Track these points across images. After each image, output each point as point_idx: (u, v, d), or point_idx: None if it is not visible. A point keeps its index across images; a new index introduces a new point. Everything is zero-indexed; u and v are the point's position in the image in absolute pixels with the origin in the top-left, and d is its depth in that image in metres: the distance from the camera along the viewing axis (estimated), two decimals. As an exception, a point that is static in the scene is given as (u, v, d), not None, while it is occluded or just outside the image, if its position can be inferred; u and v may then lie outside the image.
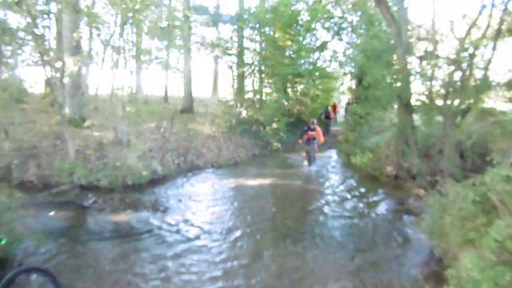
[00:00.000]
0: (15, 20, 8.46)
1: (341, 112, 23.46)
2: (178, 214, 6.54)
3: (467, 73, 8.26)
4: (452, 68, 8.42)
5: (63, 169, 7.73)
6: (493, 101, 8.39)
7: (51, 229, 5.47)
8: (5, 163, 7.59)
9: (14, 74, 8.28)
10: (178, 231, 5.76)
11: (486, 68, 8.11)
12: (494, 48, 8.11)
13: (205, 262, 4.76)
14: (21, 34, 8.09)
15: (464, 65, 8.19)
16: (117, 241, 5.34)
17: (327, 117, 18.49)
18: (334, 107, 21.29)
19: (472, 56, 8.11)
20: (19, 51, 7.99)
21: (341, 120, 22.63)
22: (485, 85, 7.77)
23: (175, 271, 4.47)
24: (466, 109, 8.40)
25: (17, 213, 4.84)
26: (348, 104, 22.15)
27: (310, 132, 10.75)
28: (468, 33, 8.49)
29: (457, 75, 8.50)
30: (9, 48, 8.20)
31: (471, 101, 7.92)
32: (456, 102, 8.39)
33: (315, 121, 10.78)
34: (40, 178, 7.74)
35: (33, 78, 8.77)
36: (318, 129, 10.74)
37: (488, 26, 8.06)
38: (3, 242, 2.99)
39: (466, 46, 8.32)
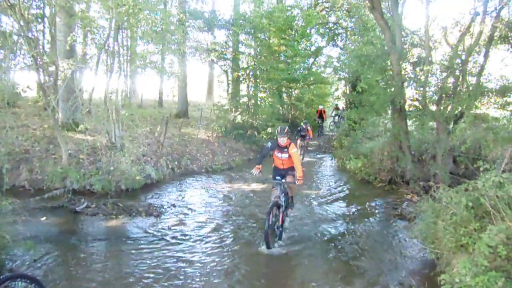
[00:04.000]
0: (9, 23, 8.37)
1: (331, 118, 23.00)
2: (171, 219, 6.49)
3: (460, 79, 8.34)
4: (445, 74, 8.50)
5: (55, 173, 7.66)
6: (485, 107, 8.47)
7: (43, 235, 5.39)
8: (-4, 167, 7.49)
9: (7, 77, 8.20)
10: (171, 237, 5.71)
11: (479, 75, 8.20)
12: (486, 55, 8.21)
13: (198, 267, 4.71)
14: (15, 37, 8.05)
15: (457, 71, 8.27)
16: (110, 247, 5.28)
17: (303, 136, 13.13)
18: (321, 114, 19.59)
19: (465, 62, 8.20)
20: (12, 55, 7.92)
21: (328, 129, 22.27)
22: (478, 91, 7.86)
23: (167, 277, 4.42)
24: (459, 115, 8.47)
25: (8, 219, 4.77)
26: (337, 109, 21.80)
27: (278, 155, 5.85)
28: (461, 39, 8.58)
29: (450, 81, 8.59)
30: (2, 51, 8.15)
31: (464, 107, 7.98)
32: (449, 108, 8.46)
33: (286, 130, 5.61)
34: (32, 182, 7.66)
35: (26, 82, 8.69)
36: (293, 149, 5.66)
37: (481, 33, 8.16)
38: None
39: (459, 52, 8.41)
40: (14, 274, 3.28)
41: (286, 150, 5.66)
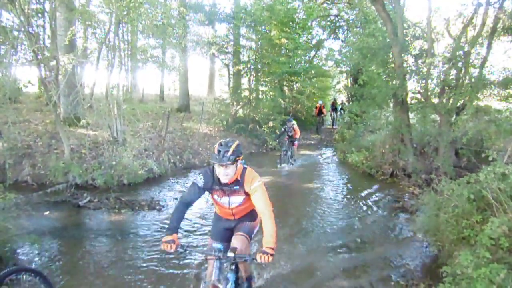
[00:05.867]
0: (9, 19, 8.36)
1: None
2: (174, 213, 6.51)
3: (462, 71, 8.31)
4: (447, 66, 8.46)
5: (58, 168, 7.68)
6: (488, 100, 8.43)
7: (46, 229, 5.42)
8: (-1, 163, 7.53)
9: (8, 73, 8.20)
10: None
11: (481, 67, 8.16)
12: (489, 47, 8.16)
13: (201, 261, 4.74)
14: (15, 33, 8.04)
15: (460, 63, 8.23)
16: (113, 240, 5.31)
17: (291, 137, 10.75)
18: (320, 110, 18.46)
19: (467, 54, 8.15)
20: (13, 50, 7.92)
21: (329, 122, 21.74)
22: (480, 84, 7.83)
23: (171, 270, 4.45)
24: (461, 107, 8.44)
25: (12, 213, 4.80)
26: (334, 104, 21.32)
27: (222, 200, 3.03)
28: (464, 31, 8.53)
29: (453, 74, 8.55)
30: (3, 47, 8.15)
31: (466, 99, 7.95)
32: (451, 100, 8.43)
33: (232, 151, 2.68)
34: (34, 177, 7.69)
35: (27, 77, 8.70)
36: (255, 183, 2.83)
37: (484, 24, 8.10)
38: None
39: (461, 44, 8.36)
40: (19, 268, 3.30)
41: (237, 188, 2.90)
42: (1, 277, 2.80)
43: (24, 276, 3.02)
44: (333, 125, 20.68)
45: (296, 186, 8.88)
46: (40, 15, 10.33)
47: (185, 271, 4.45)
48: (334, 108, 21.03)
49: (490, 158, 4.37)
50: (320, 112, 18.67)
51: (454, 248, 4.24)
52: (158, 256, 4.84)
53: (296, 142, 10.84)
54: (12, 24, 8.14)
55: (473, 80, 8.11)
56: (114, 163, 8.04)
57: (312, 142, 16.22)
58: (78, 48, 9.93)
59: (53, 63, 8.12)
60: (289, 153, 10.86)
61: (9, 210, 4.78)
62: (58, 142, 8.44)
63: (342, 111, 21.04)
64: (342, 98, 22.88)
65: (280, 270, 4.56)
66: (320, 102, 19.03)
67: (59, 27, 9.20)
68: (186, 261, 4.69)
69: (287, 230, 5.86)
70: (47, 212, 6.17)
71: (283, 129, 10.95)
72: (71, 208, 6.49)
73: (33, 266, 4.32)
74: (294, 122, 10.78)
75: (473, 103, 8.02)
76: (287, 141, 10.78)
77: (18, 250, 4.69)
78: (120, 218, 6.18)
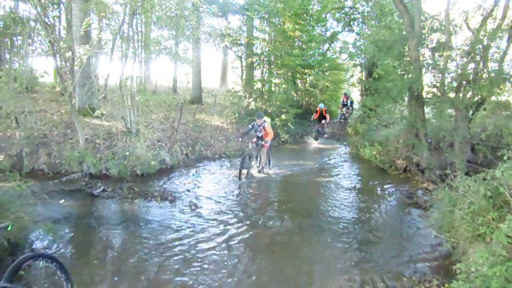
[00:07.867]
0: (26, 9, 8.49)
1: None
2: (185, 204, 6.56)
3: (481, 65, 8.09)
4: (465, 60, 8.25)
5: (73, 157, 7.82)
6: (507, 94, 8.21)
7: (61, 217, 5.54)
8: (16, 151, 7.69)
9: (25, 63, 8.34)
10: (185, 221, 5.79)
11: (501, 60, 7.93)
12: (509, 40, 7.92)
13: (210, 253, 4.77)
14: (32, 23, 8.15)
15: (478, 57, 8.02)
16: (125, 229, 5.39)
17: (260, 138, 8.83)
18: (321, 114, 14.68)
19: (486, 47, 7.93)
20: (30, 41, 8.03)
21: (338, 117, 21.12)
22: (500, 78, 7.61)
23: (181, 260, 4.50)
24: (480, 102, 8.24)
25: (28, 201, 4.91)
26: (345, 99, 20.06)
27: None
28: (483, 24, 8.29)
29: (471, 67, 8.34)
30: (20, 37, 8.28)
31: (485, 94, 7.75)
32: (469, 95, 8.24)
33: None
34: (50, 166, 7.85)
35: (43, 67, 8.85)
36: None
37: (504, 17, 7.86)
38: (9, 228, 3.01)
39: (480, 37, 8.13)
40: (36, 254, 3.38)
41: None
42: (19, 263, 2.88)
43: (41, 262, 3.09)
44: (345, 121, 19.31)
45: (308, 179, 8.84)
46: (56, 6, 10.44)
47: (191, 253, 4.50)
48: (345, 103, 19.69)
49: (505, 158, 4.27)
50: (321, 117, 14.89)
51: (468, 245, 4.19)
52: (168, 246, 4.90)
53: (266, 145, 8.59)
54: (29, 14, 8.26)
55: (492, 74, 7.88)
56: (127, 153, 8.13)
57: (323, 135, 16.08)
58: (93, 39, 10.01)
59: (69, 53, 8.21)
60: (257, 159, 8.95)
61: (26, 197, 4.90)
62: (73, 132, 8.58)
63: (351, 103, 20.34)
64: (352, 92, 22.22)
65: (292, 262, 4.57)
66: (321, 105, 15.05)
67: (74, 18, 9.27)
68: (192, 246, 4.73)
69: (299, 222, 5.86)
70: (62, 200, 6.30)
71: (250, 126, 8.86)
72: (85, 197, 6.61)
73: (49, 252, 4.42)
74: (266, 119, 8.68)
75: (492, 98, 7.82)
76: (254, 144, 8.69)
77: (34, 237, 4.80)
78: (133, 208, 6.27)
